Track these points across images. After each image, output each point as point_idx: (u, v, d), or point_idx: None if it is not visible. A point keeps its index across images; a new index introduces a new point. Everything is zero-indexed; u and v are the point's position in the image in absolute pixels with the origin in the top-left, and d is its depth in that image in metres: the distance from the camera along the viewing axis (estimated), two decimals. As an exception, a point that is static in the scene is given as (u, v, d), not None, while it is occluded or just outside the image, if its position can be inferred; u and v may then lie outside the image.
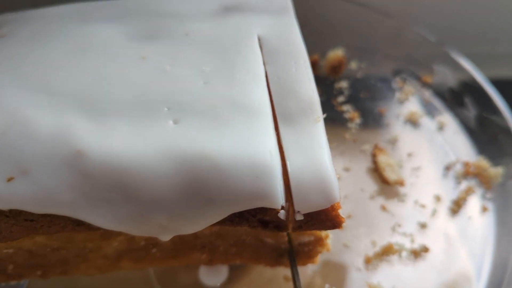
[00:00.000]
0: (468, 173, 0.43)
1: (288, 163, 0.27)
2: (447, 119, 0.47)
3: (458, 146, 0.45)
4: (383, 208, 0.41)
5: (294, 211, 0.27)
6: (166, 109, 0.28)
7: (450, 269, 0.38)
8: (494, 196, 0.41)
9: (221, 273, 0.39)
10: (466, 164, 0.43)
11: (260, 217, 0.28)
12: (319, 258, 0.37)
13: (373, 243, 0.39)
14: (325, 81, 0.50)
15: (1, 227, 0.27)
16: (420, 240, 0.39)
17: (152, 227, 0.27)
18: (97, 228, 0.27)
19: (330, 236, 0.35)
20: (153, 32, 0.33)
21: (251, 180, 0.26)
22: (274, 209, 0.27)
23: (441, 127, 0.47)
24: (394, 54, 0.52)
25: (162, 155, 0.26)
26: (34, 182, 0.26)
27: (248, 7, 0.36)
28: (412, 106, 0.49)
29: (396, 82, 0.50)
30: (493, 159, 0.42)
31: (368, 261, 0.38)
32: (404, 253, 0.38)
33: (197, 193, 0.26)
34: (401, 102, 0.49)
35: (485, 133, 0.44)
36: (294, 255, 0.34)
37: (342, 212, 0.40)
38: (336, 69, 0.51)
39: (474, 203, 0.41)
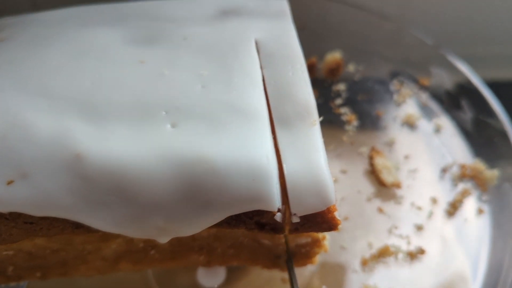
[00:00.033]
0: (464, 175, 0.43)
1: (284, 166, 0.28)
2: (444, 121, 0.47)
3: (455, 148, 0.45)
4: (380, 210, 0.41)
5: (290, 214, 0.28)
6: (164, 113, 0.28)
7: (446, 270, 0.38)
8: (490, 198, 0.41)
9: (219, 274, 0.39)
10: (462, 167, 0.43)
11: (256, 220, 0.28)
12: (317, 259, 0.37)
13: (370, 245, 0.39)
14: (323, 84, 0.51)
15: (1, 229, 0.28)
16: (416, 242, 0.39)
17: (150, 230, 0.28)
18: (96, 231, 0.28)
19: (327, 237, 0.36)
20: (151, 36, 0.33)
21: (248, 183, 0.27)
22: (270, 212, 0.27)
23: (438, 130, 0.47)
24: (392, 57, 0.52)
25: (160, 159, 0.26)
26: (33, 185, 0.26)
27: (245, 11, 0.36)
28: (409, 108, 0.49)
29: (394, 85, 0.51)
30: (489, 161, 0.43)
31: (364, 263, 0.38)
32: (400, 255, 0.38)
33: (195, 196, 0.27)
34: (398, 104, 0.49)
35: (481, 135, 0.45)
36: (292, 259, 0.35)
37: (339, 214, 0.40)
38: (334, 71, 0.51)
39: (470, 205, 0.41)
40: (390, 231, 0.40)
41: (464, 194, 0.42)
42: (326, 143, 0.45)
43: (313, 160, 0.28)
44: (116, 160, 0.26)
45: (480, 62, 0.57)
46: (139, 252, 0.34)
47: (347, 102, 0.49)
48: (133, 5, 0.37)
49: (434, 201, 0.42)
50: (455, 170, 0.44)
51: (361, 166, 0.44)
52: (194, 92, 0.29)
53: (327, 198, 0.27)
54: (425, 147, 0.46)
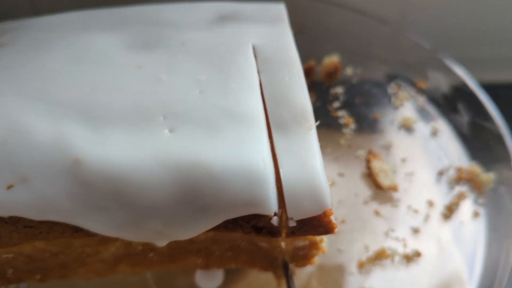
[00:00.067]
0: (460, 178, 0.43)
1: (281, 170, 0.28)
2: (441, 125, 0.48)
3: (451, 151, 0.46)
4: (377, 213, 0.42)
5: (287, 218, 0.28)
6: (162, 118, 0.29)
7: (443, 273, 0.38)
8: (485, 201, 0.42)
9: (217, 276, 0.40)
10: (459, 170, 0.44)
11: (253, 223, 0.29)
12: (316, 260, 0.37)
13: (366, 248, 0.39)
14: (320, 87, 0.51)
15: (1, 233, 0.28)
16: (412, 244, 0.39)
17: (149, 233, 0.28)
18: (95, 234, 0.28)
19: (325, 240, 0.36)
20: (150, 41, 0.34)
21: (245, 188, 0.27)
22: (267, 216, 0.28)
23: (434, 133, 0.47)
24: (389, 60, 0.52)
25: (158, 163, 0.27)
26: (33, 189, 0.26)
27: (243, 16, 0.37)
28: (407, 111, 0.49)
29: (391, 88, 0.51)
30: (485, 164, 0.43)
31: (361, 265, 0.38)
32: (396, 258, 0.39)
33: (192, 200, 0.27)
34: (396, 107, 0.50)
35: (477, 139, 0.45)
36: (288, 266, 0.35)
37: (336, 216, 0.41)
38: (332, 75, 0.51)
39: (466, 208, 0.42)
40: (386, 234, 0.40)
41: (460, 197, 0.42)
42: (324, 146, 0.46)
43: (309, 165, 0.28)
44: (115, 165, 0.27)
45: (479, 64, 0.58)
46: (138, 254, 0.35)
47: (345, 105, 0.50)
48: (132, 10, 0.38)
49: (430, 204, 0.42)
50: (451, 173, 0.44)
51: (358, 169, 0.45)
52: (192, 97, 0.30)
53: (323, 203, 0.28)
54: (422, 150, 0.46)
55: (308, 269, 0.39)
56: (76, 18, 0.37)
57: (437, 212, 0.42)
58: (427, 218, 0.41)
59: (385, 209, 0.42)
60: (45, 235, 0.28)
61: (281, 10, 0.37)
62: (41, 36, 0.35)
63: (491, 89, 0.47)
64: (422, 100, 0.50)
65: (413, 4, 0.55)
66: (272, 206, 0.27)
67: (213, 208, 0.27)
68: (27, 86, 0.30)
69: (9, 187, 0.26)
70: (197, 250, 0.35)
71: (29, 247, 0.32)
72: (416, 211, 0.42)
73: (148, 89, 0.30)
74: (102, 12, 0.37)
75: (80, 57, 0.32)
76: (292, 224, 0.28)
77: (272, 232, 0.29)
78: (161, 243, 0.29)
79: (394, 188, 0.43)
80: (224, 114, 0.29)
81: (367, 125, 0.48)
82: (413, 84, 0.51)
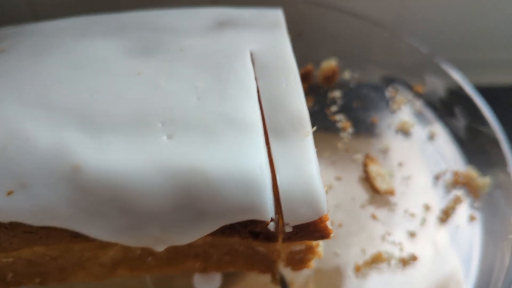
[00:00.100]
0: (457, 182, 0.44)
1: (278, 176, 0.28)
2: (438, 129, 0.48)
3: (448, 155, 0.46)
4: (374, 217, 0.42)
5: (283, 223, 0.29)
6: (160, 124, 0.29)
7: (438, 277, 0.39)
8: (481, 205, 0.42)
9: (215, 279, 0.40)
10: (455, 174, 0.44)
11: (250, 229, 0.29)
12: (313, 263, 0.38)
13: (363, 251, 0.40)
14: (318, 91, 0.51)
15: (1, 238, 0.28)
16: (409, 248, 0.40)
17: (147, 239, 0.28)
18: (94, 239, 0.28)
19: (321, 244, 0.36)
20: (149, 48, 0.34)
21: (242, 194, 0.27)
22: (264, 221, 0.28)
23: (431, 137, 0.48)
24: (387, 64, 0.53)
25: (156, 170, 0.27)
26: (33, 196, 0.27)
27: (241, 22, 0.37)
28: (404, 115, 0.50)
29: (389, 92, 0.51)
30: (481, 169, 0.43)
31: (357, 269, 0.39)
32: (393, 261, 0.39)
33: (190, 206, 0.27)
34: (393, 111, 0.50)
35: (474, 143, 0.45)
36: (285, 281, 0.36)
37: (333, 220, 0.41)
38: (330, 79, 0.52)
39: (462, 212, 0.42)
40: (383, 238, 0.41)
41: (457, 201, 0.42)
42: (321, 150, 0.46)
43: (305, 171, 0.28)
44: (113, 171, 0.27)
45: (477, 67, 0.58)
46: (137, 259, 0.35)
47: (343, 109, 0.50)
48: (132, 16, 0.38)
49: (427, 208, 0.42)
50: (448, 177, 0.44)
51: (356, 173, 0.45)
52: (190, 103, 0.30)
53: (319, 208, 0.28)
54: (419, 154, 0.47)
55: (305, 272, 0.39)
56: (76, 23, 0.37)
57: (433, 216, 0.42)
58: (423, 222, 0.41)
59: (382, 213, 0.42)
60: (44, 240, 0.29)
61: (279, 16, 0.38)
62: (41, 42, 0.35)
63: (489, 92, 0.47)
64: (419, 104, 0.50)
65: (411, 8, 0.55)
66: (268, 212, 0.28)
67: (210, 214, 0.27)
68: (27, 93, 0.31)
69: (9, 193, 0.26)
70: (195, 254, 0.35)
71: (29, 252, 0.32)
72: (412, 215, 0.42)
73: (146, 95, 0.30)
74: (102, 18, 0.38)
75: (79, 63, 0.33)
76: (288, 229, 0.29)
77: (269, 237, 0.30)
78: (160, 248, 0.29)
79: (391, 192, 0.43)
80: (221, 121, 0.29)
81: (365, 129, 0.49)
82: (410, 88, 0.51)
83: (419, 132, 0.48)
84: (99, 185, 0.27)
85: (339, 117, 0.49)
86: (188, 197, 0.27)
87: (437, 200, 0.43)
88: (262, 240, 0.30)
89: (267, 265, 0.37)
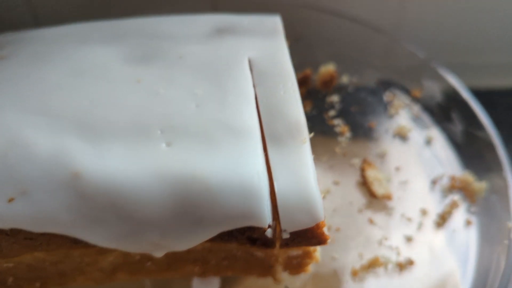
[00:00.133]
0: (453, 187, 0.44)
1: (275, 183, 0.29)
2: (435, 133, 0.48)
3: (445, 160, 0.46)
4: (371, 221, 0.42)
5: (281, 230, 0.29)
6: (159, 132, 0.29)
7: (435, 281, 0.39)
8: (478, 210, 0.42)
9: (213, 282, 0.40)
10: (452, 178, 0.44)
11: (248, 235, 0.30)
12: (310, 268, 0.38)
13: (360, 256, 0.40)
14: (317, 95, 0.52)
15: (2, 245, 0.29)
16: (406, 253, 0.40)
17: (146, 245, 0.29)
18: (94, 246, 0.29)
19: (318, 249, 0.37)
20: (148, 55, 0.35)
21: (240, 201, 0.28)
22: (261, 228, 0.28)
23: (429, 142, 0.48)
24: (385, 69, 0.53)
25: (155, 177, 0.27)
26: (33, 202, 0.27)
27: (240, 29, 0.37)
28: (401, 120, 0.50)
29: (386, 96, 0.52)
30: (478, 173, 0.44)
31: (355, 273, 0.39)
32: (390, 266, 0.39)
33: (188, 213, 0.28)
34: (391, 116, 0.50)
35: (471, 148, 0.46)
36: None
37: (331, 224, 0.41)
38: (328, 83, 0.52)
39: (458, 217, 0.42)
40: (380, 242, 0.41)
41: (453, 205, 0.43)
42: (319, 154, 0.46)
43: (303, 178, 0.29)
44: (113, 178, 0.27)
45: (474, 71, 0.58)
46: (136, 263, 0.35)
47: (340, 114, 0.50)
48: (131, 22, 0.38)
49: (424, 212, 0.43)
50: (445, 181, 0.45)
51: (353, 177, 0.45)
52: (189, 111, 0.31)
53: (316, 215, 0.28)
54: (416, 158, 0.47)
55: (303, 276, 0.39)
56: (76, 30, 0.38)
57: (430, 221, 0.42)
58: (420, 226, 0.42)
59: (379, 218, 0.42)
60: (45, 246, 0.29)
61: (277, 22, 0.38)
62: (41, 49, 0.36)
63: (486, 95, 0.48)
64: (416, 108, 0.50)
65: (408, 13, 0.56)
66: (266, 218, 0.28)
67: (208, 221, 0.28)
68: (27, 99, 0.31)
69: (10, 200, 0.27)
70: (194, 259, 0.36)
71: (29, 257, 0.33)
72: (409, 219, 0.42)
73: (146, 103, 0.31)
74: (102, 25, 0.38)
75: (79, 70, 0.33)
76: (285, 236, 0.29)
77: (266, 243, 0.30)
78: (158, 254, 0.30)
79: (388, 197, 0.43)
80: (220, 128, 0.30)
81: (363, 133, 0.49)
82: (408, 92, 0.51)
83: (416, 136, 0.49)
84: (99, 192, 0.27)
85: (337, 121, 0.49)
86: (186, 204, 0.27)
87: (434, 205, 0.43)
88: (259, 246, 0.30)
89: (265, 270, 0.38)
